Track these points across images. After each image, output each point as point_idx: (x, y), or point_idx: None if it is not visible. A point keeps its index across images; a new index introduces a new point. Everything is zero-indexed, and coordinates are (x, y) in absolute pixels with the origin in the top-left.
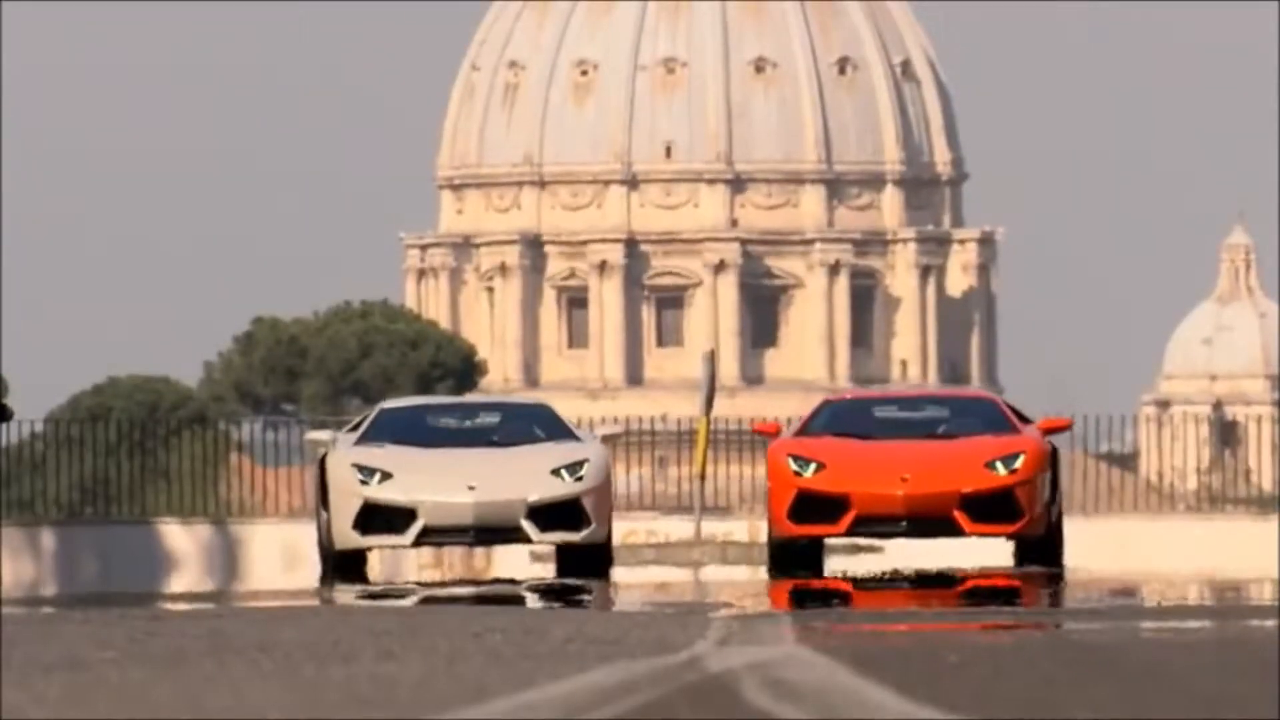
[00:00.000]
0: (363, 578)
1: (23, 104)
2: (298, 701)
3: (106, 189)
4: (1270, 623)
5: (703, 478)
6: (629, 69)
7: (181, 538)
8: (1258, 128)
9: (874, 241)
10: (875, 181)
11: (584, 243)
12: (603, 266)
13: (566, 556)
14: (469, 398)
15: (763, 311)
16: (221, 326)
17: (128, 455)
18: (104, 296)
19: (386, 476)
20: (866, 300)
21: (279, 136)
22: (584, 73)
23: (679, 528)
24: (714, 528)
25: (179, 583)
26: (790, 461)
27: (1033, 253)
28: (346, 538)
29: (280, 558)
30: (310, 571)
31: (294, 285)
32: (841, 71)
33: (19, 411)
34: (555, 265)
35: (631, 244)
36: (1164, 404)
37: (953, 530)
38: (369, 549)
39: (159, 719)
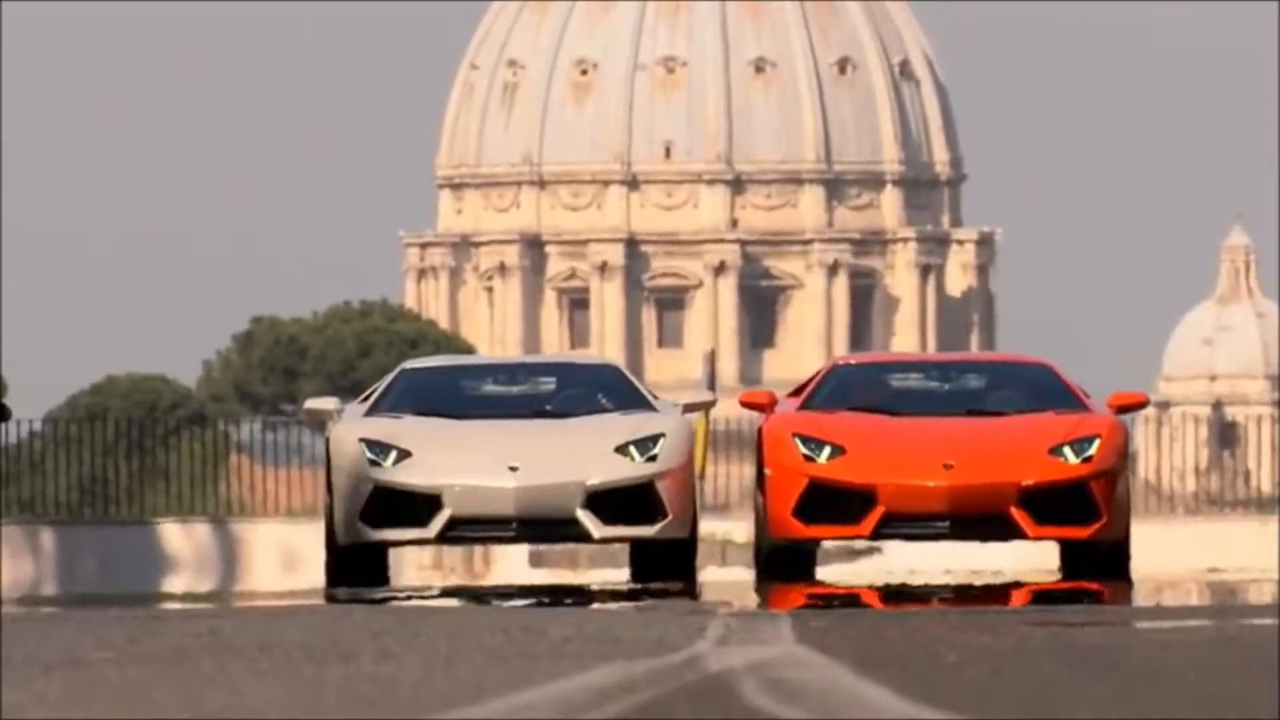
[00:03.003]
0: (379, 580)
1: (23, 104)
2: (297, 701)
3: (106, 189)
4: (1270, 622)
5: (701, 478)
6: (628, 69)
7: (180, 538)
8: (1258, 128)
9: (873, 241)
10: (874, 181)
11: (584, 243)
12: (603, 267)
13: (642, 555)
14: (515, 356)
15: (762, 312)
16: (220, 326)
17: (126, 455)
18: (103, 296)
19: (404, 455)
20: (866, 300)
21: (279, 136)
22: (583, 72)
23: None
24: (713, 528)
25: (178, 583)
26: (798, 443)
27: (1032, 253)
28: (353, 531)
29: (280, 558)
30: (310, 571)
31: (293, 285)
32: (841, 72)
33: (18, 411)
34: (555, 266)
35: (631, 244)
36: (1164, 405)
37: (1009, 532)
38: (381, 544)
39: (159, 719)
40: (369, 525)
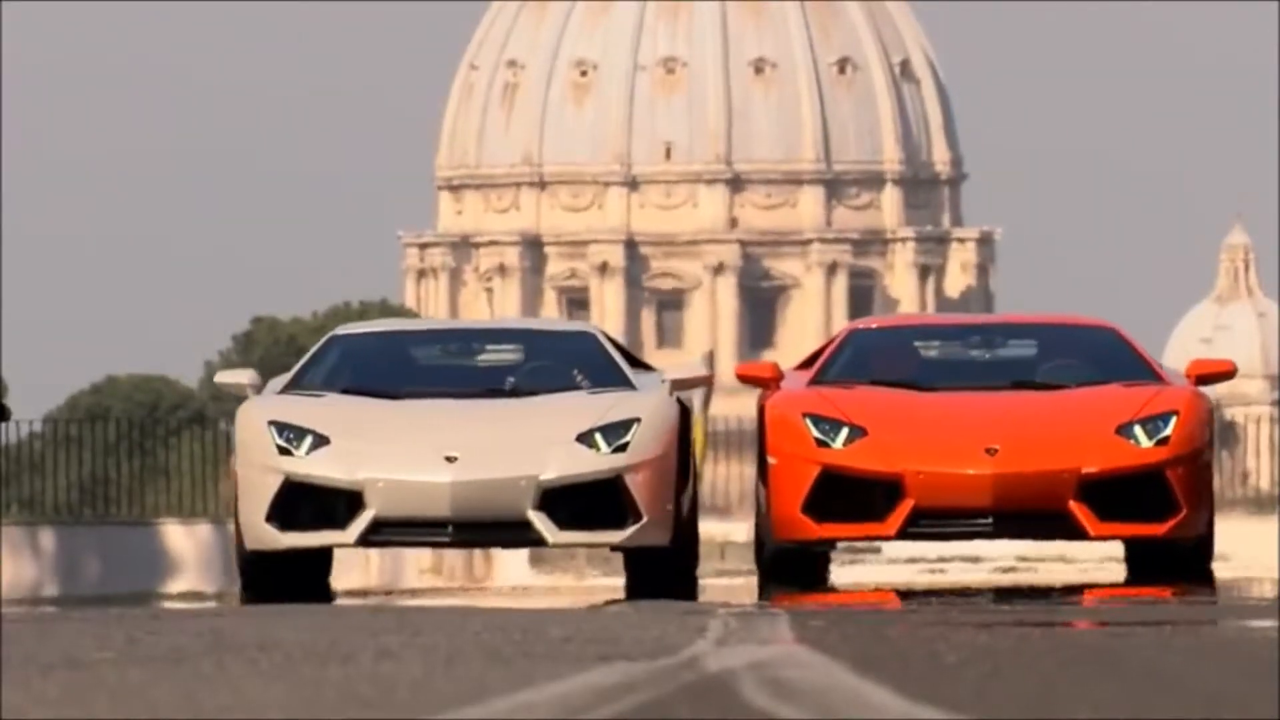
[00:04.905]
0: (316, 592)
1: (23, 104)
2: (297, 701)
3: (106, 189)
4: (1270, 623)
5: (699, 478)
6: (628, 69)
7: (182, 538)
8: (1257, 128)
9: (873, 241)
10: (874, 181)
11: (584, 243)
12: (603, 268)
13: (634, 564)
14: (474, 321)
15: (761, 312)
16: (221, 326)
17: (127, 455)
18: (104, 296)
19: (320, 441)
20: (865, 300)
21: (279, 136)
22: (583, 73)
23: None
24: (712, 529)
25: (179, 583)
26: (809, 424)
27: (1031, 252)
28: (259, 534)
29: None
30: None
31: (293, 285)
32: (841, 71)
33: (18, 411)
34: (555, 266)
35: (631, 245)
36: None
37: (1066, 530)
38: (292, 551)
39: (158, 719)
40: (277, 527)
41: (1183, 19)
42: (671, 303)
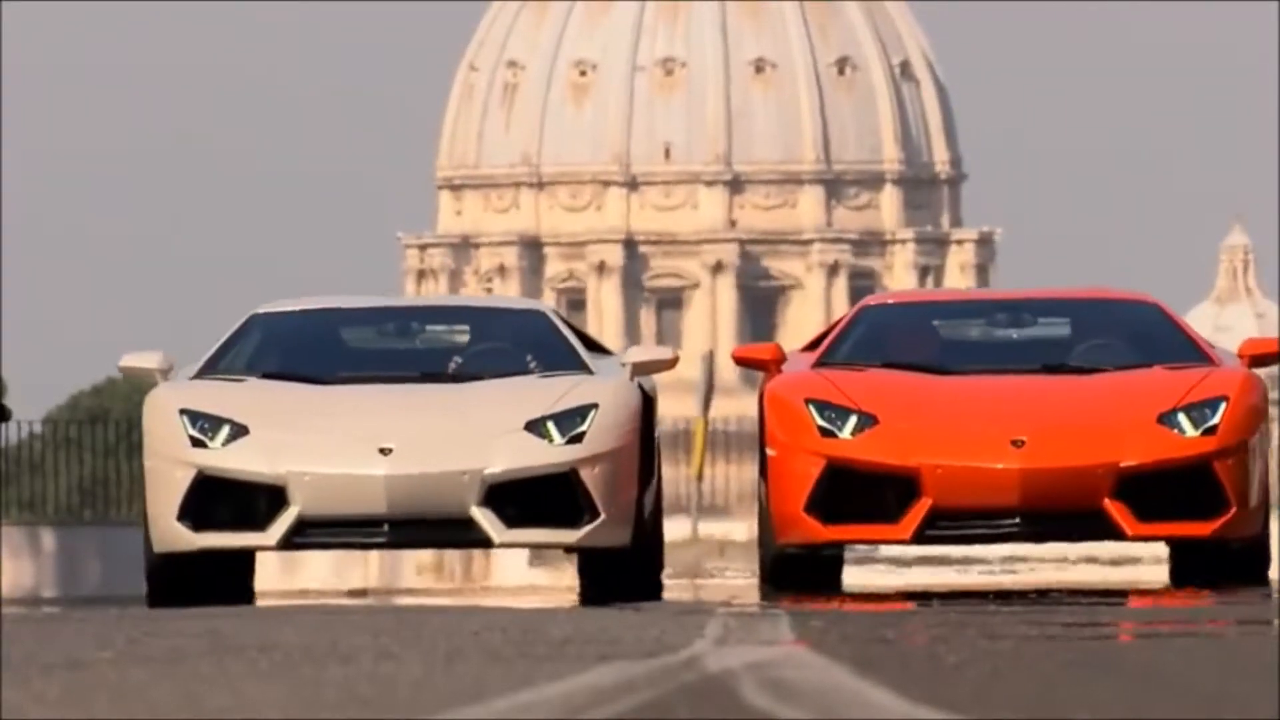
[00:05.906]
0: (236, 595)
1: (23, 103)
2: (297, 701)
3: (106, 189)
4: (1270, 623)
5: (700, 478)
6: (628, 69)
7: None
8: (1257, 128)
9: (872, 242)
10: (874, 182)
11: (583, 244)
12: (602, 267)
13: (588, 565)
14: (415, 298)
15: (761, 312)
16: (221, 326)
17: (127, 456)
18: (104, 296)
19: (239, 431)
20: None
21: (279, 136)
22: (583, 73)
23: (676, 528)
24: (712, 528)
25: None
26: (814, 412)
27: (1031, 253)
28: (169, 534)
29: (280, 557)
30: (311, 571)
31: (293, 285)
32: (840, 72)
33: (18, 412)
34: (554, 266)
35: (630, 245)
36: None
37: (1102, 530)
38: (206, 553)
39: (158, 719)
40: (190, 527)
41: (1183, 19)
42: (671, 303)
